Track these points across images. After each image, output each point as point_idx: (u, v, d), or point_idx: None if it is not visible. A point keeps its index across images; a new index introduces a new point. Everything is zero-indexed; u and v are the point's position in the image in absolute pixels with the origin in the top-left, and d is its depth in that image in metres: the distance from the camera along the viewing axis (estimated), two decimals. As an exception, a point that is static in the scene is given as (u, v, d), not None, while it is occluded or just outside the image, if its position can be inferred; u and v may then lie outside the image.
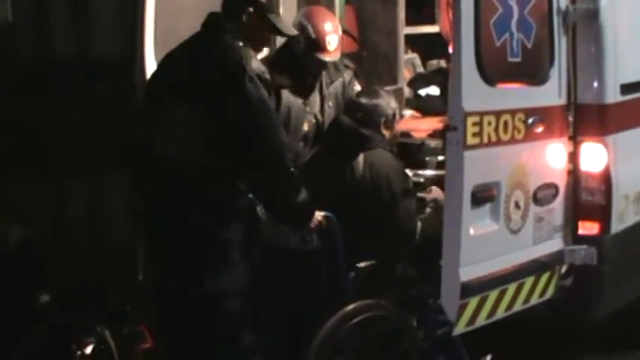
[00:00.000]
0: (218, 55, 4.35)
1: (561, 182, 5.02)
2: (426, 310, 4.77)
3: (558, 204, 5.01)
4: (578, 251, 5.06)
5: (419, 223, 5.03)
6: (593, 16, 5.03)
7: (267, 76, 4.38)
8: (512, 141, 4.69)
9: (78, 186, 5.36)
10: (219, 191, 4.34)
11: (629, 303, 5.52)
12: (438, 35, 8.27)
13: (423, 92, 7.63)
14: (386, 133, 5.11)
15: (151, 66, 4.99)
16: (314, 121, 5.39)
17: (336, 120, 5.24)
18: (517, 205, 4.76)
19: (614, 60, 5.14)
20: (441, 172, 5.34)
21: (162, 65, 4.60)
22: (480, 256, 4.59)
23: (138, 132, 4.63)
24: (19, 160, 5.31)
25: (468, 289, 4.51)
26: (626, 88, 5.23)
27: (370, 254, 4.89)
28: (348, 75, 5.63)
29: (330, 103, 5.44)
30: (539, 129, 4.82)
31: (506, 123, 4.64)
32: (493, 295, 4.69)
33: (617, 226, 5.18)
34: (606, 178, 5.10)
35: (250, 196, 4.49)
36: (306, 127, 5.33)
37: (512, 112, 4.68)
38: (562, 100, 5.01)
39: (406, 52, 8.02)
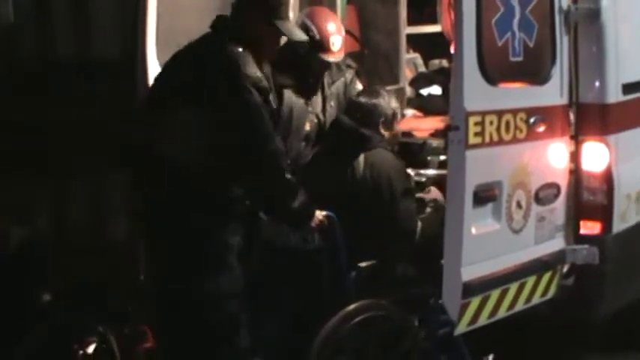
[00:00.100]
0: (221, 59, 4.34)
1: (563, 182, 5.02)
2: (427, 309, 4.77)
3: (560, 203, 5.01)
4: (580, 251, 5.05)
5: (419, 223, 5.03)
6: (594, 15, 5.03)
7: (264, 83, 4.36)
8: (514, 140, 4.69)
9: (79, 186, 5.37)
10: (221, 193, 4.34)
11: (631, 302, 5.51)
12: (439, 35, 8.25)
13: (424, 92, 7.62)
14: (385, 133, 5.11)
15: (152, 66, 4.99)
16: (316, 120, 5.39)
17: (336, 120, 5.24)
18: (519, 205, 4.76)
19: (616, 59, 5.14)
20: (443, 172, 5.35)
21: (167, 67, 4.58)
22: (482, 255, 4.59)
23: (140, 133, 4.63)
24: (21, 161, 5.31)
25: (470, 289, 4.51)
26: (627, 88, 5.22)
27: (371, 254, 4.89)
28: (349, 75, 5.63)
29: (332, 103, 5.44)
30: (541, 128, 4.81)
31: (508, 122, 4.64)
32: (495, 294, 4.69)
33: (618, 226, 5.18)
34: (608, 177, 5.09)
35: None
36: (307, 127, 5.33)
37: (514, 112, 4.68)
38: (564, 100, 5.01)
39: (408, 52, 8.01)
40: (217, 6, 5.47)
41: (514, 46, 4.68)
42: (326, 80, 5.43)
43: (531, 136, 4.77)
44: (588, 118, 5.09)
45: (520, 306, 4.86)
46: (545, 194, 4.90)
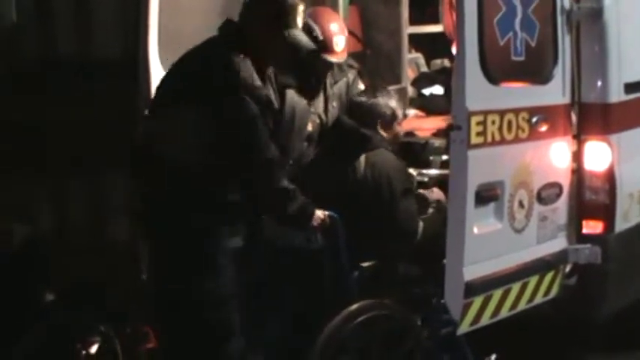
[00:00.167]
0: (222, 66, 4.32)
1: (565, 181, 5.02)
2: (430, 309, 4.78)
3: (562, 203, 5.01)
4: (582, 250, 5.05)
5: (421, 224, 5.03)
6: (597, 14, 5.02)
7: (263, 92, 4.34)
8: (516, 140, 4.69)
9: (80, 185, 5.36)
10: (221, 192, 4.34)
11: (633, 302, 5.51)
12: (441, 34, 8.27)
13: (426, 91, 7.64)
14: (383, 133, 5.10)
15: (154, 65, 5.00)
16: (318, 121, 5.39)
17: (337, 120, 5.25)
18: (521, 204, 4.76)
19: (618, 59, 5.13)
20: (445, 172, 5.35)
21: (172, 70, 4.55)
22: (484, 255, 4.58)
23: (141, 132, 4.63)
24: (22, 160, 5.31)
25: (472, 289, 4.51)
26: (629, 87, 5.22)
27: (372, 254, 4.89)
28: (351, 75, 5.63)
29: (334, 104, 5.44)
30: (543, 128, 4.81)
31: (510, 122, 4.64)
32: (497, 294, 4.69)
33: (621, 225, 5.17)
34: (610, 177, 5.09)
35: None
36: (310, 128, 5.33)
37: (516, 111, 4.68)
38: (566, 99, 5.01)
39: (410, 52, 8.02)
40: (220, 5, 5.48)
41: (516, 46, 4.68)
42: (328, 80, 5.43)
43: (533, 135, 4.77)
44: (590, 117, 5.09)
45: (522, 306, 4.86)
46: (547, 194, 4.90)
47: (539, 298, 4.95)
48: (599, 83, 5.10)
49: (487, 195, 4.57)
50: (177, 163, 4.27)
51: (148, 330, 4.85)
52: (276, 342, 4.92)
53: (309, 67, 5.27)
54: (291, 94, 5.23)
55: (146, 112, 4.69)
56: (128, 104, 4.92)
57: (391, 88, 6.18)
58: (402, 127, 5.43)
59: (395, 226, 4.91)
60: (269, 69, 4.58)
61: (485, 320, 4.68)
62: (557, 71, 4.94)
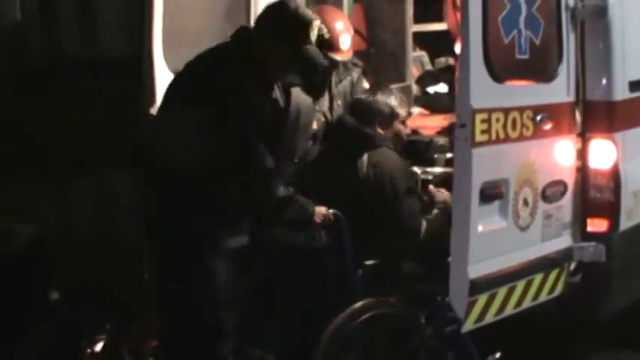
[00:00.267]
0: (229, 74, 4.32)
1: (570, 179, 5.02)
2: (434, 307, 4.78)
3: (567, 201, 5.01)
4: (587, 248, 5.05)
5: (424, 223, 5.02)
6: (601, 12, 5.02)
7: (263, 103, 4.33)
8: (521, 138, 4.68)
9: (85, 185, 5.37)
10: (221, 193, 4.32)
11: (638, 300, 5.51)
12: (445, 33, 8.28)
13: (431, 90, 7.65)
14: (380, 131, 5.09)
15: (159, 65, 5.00)
16: (323, 119, 5.39)
17: (339, 120, 5.25)
18: (525, 202, 4.76)
19: (623, 57, 5.13)
20: (450, 170, 5.35)
21: (181, 72, 4.55)
22: (489, 253, 4.58)
23: (147, 133, 4.64)
24: (27, 159, 5.32)
25: (477, 286, 4.50)
26: (634, 85, 5.22)
27: (375, 253, 4.89)
28: (356, 73, 5.64)
29: (339, 102, 5.45)
30: (548, 126, 4.81)
31: (514, 120, 4.64)
32: (502, 292, 4.69)
33: (625, 223, 5.17)
34: (615, 175, 5.09)
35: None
36: (315, 126, 5.33)
37: (521, 109, 4.68)
38: (570, 97, 5.00)
39: (414, 50, 8.02)
40: (223, 6, 5.49)
41: (520, 44, 4.68)
42: (333, 79, 5.44)
43: (538, 133, 4.77)
44: (595, 115, 5.09)
45: (527, 303, 4.85)
46: (551, 192, 4.90)
47: (543, 296, 4.95)
48: (604, 81, 5.09)
49: (492, 193, 4.57)
50: (178, 163, 4.26)
51: (154, 328, 4.86)
52: (282, 339, 4.93)
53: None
54: (297, 93, 5.23)
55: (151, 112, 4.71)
56: (132, 103, 4.93)
57: (395, 86, 6.19)
58: (407, 126, 5.43)
59: (398, 225, 4.91)
60: (277, 80, 4.54)
61: (490, 318, 4.67)
62: (562, 69, 4.94)
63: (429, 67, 8.38)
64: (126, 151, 4.76)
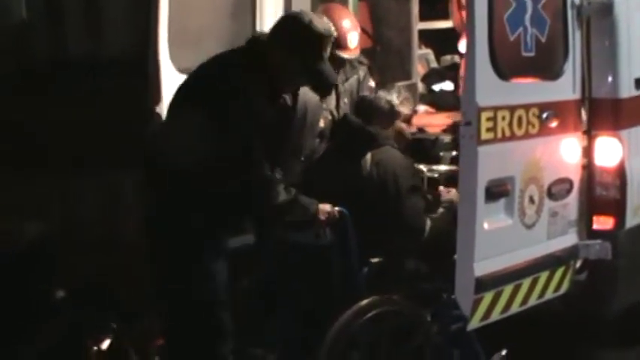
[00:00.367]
0: (236, 80, 4.29)
1: (576, 177, 5.01)
2: (440, 305, 4.78)
3: (573, 199, 5.00)
4: (593, 246, 5.05)
5: (428, 221, 5.02)
6: (607, 10, 5.02)
7: (266, 111, 4.30)
8: (527, 136, 4.68)
9: (89, 184, 5.37)
10: (222, 193, 4.31)
11: (644, 298, 5.51)
12: (451, 30, 8.26)
13: (436, 87, 7.65)
14: (381, 129, 5.06)
15: (164, 63, 5.01)
16: (330, 117, 5.40)
17: (343, 118, 5.25)
18: (531, 200, 4.75)
19: (629, 54, 5.13)
20: (454, 168, 5.36)
21: (190, 74, 4.53)
22: (495, 250, 4.58)
23: (155, 135, 4.65)
24: (30, 159, 5.32)
25: (483, 284, 4.50)
26: (640, 83, 5.22)
27: (379, 251, 4.89)
28: (362, 72, 5.64)
29: (346, 100, 5.46)
30: (554, 124, 4.81)
31: (520, 118, 4.63)
32: (508, 289, 4.69)
33: (631, 221, 5.17)
34: (621, 172, 5.09)
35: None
36: (322, 124, 5.34)
37: (527, 107, 4.67)
38: (576, 95, 5.00)
39: (420, 48, 8.02)
40: (229, 4, 5.49)
41: (526, 42, 4.67)
42: (340, 77, 5.43)
43: (544, 131, 4.77)
44: (601, 113, 5.08)
45: (533, 301, 4.85)
46: (557, 189, 4.90)
47: (549, 294, 4.94)
48: (610, 79, 5.09)
49: (497, 191, 4.57)
50: (179, 164, 4.24)
51: (159, 327, 4.86)
52: (285, 339, 4.93)
53: None
54: (304, 91, 5.22)
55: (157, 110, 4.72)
56: (138, 102, 4.94)
57: (401, 84, 6.20)
58: (412, 124, 5.42)
59: (401, 223, 4.90)
60: (287, 91, 4.51)
61: (496, 316, 4.67)
62: (568, 67, 4.94)
63: (434, 64, 8.38)
64: (131, 151, 4.76)
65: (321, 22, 4.45)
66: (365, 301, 4.54)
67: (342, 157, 5.06)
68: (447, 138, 5.91)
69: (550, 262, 4.91)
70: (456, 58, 7.95)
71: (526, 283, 4.79)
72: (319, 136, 5.33)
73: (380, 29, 7.68)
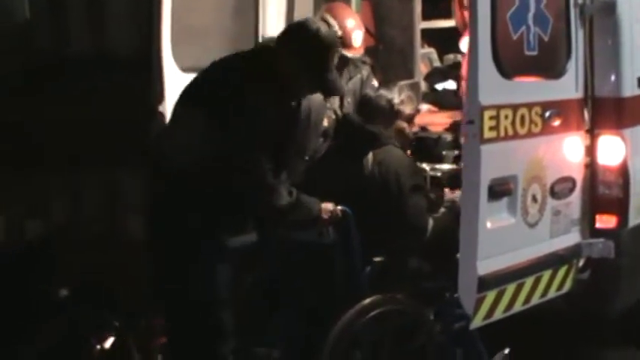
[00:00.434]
0: (244, 84, 4.26)
1: (578, 176, 5.01)
2: (443, 303, 4.78)
3: (575, 197, 5.00)
4: (596, 244, 5.05)
5: (430, 221, 5.02)
6: (610, 9, 5.02)
7: (270, 125, 4.27)
8: (529, 134, 4.68)
9: (92, 182, 5.38)
10: (221, 194, 4.28)
11: (647, 296, 5.51)
12: (454, 29, 8.26)
13: (439, 86, 7.65)
14: (382, 128, 5.06)
15: (167, 60, 5.01)
16: (333, 117, 5.40)
17: (345, 118, 5.25)
18: (534, 199, 4.76)
19: (631, 53, 5.13)
20: (455, 166, 5.36)
21: (197, 76, 4.51)
22: (497, 249, 4.58)
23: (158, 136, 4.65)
24: (34, 157, 5.32)
25: (485, 283, 4.50)
26: (643, 81, 5.22)
27: (381, 250, 4.89)
28: (365, 71, 5.65)
29: (349, 99, 5.46)
30: (556, 122, 4.81)
31: (523, 116, 4.64)
32: (510, 288, 4.69)
33: (634, 220, 5.16)
34: (624, 171, 5.08)
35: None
36: (326, 123, 5.34)
37: (529, 106, 4.67)
38: (579, 94, 5.00)
39: (422, 47, 8.02)
40: (233, 3, 5.50)
41: (529, 40, 4.67)
42: (343, 76, 5.43)
43: (546, 130, 4.77)
44: (604, 111, 5.08)
45: (536, 300, 4.85)
46: (560, 188, 4.90)
47: (552, 293, 4.94)
48: (613, 77, 5.09)
49: (500, 189, 4.57)
50: (179, 164, 4.24)
51: (161, 324, 4.87)
52: (288, 337, 4.93)
53: None
54: None
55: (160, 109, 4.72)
56: (141, 101, 4.94)
57: (404, 83, 6.18)
58: (415, 123, 5.42)
59: (403, 222, 4.90)
60: (294, 98, 4.48)
61: (499, 314, 4.68)
62: (570, 65, 4.94)
63: (437, 63, 8.39)
64: (134, 149, 4.77)
65: (329, 32, 4.43)
66: (368, 300, 4.54)
67: (344, 156, 5.05)
68: (449, 137, 5.90)
69: (553, 261, 4.91)
70: (459, 57, 7.95)
71: (529, 281, 4.79)
72: (323, 135, 5.32)
73: (382, 28, 7.67)
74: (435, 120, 6.51)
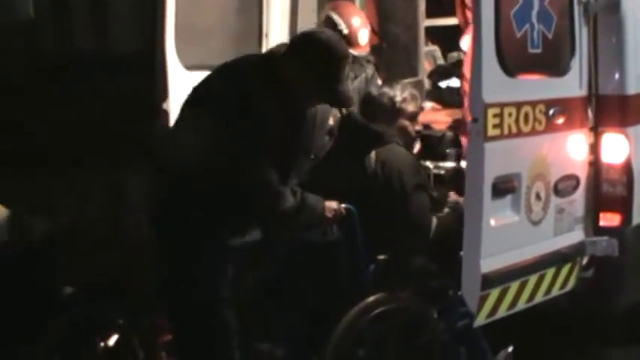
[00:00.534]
0: (252, 89, 4.24)
1: (582, 173, 5.01)
2: (446, 301, 4.78)
3: (579, 195, 5.00)
4: (600, 242, 5.04)
5: (434, 220, 5.01)
6: (614, 6, 5.01)
7: (278, 130, 4.26)
8: (533, 132, 4.68)
9: (97, 181, 5.38)
10: (223, 194, 4.27)
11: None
12: (458, 27, 8.26)
13: (443, 84, 7.65)
14: (385, 126, 5.06)
15: (171, 60, 5.01)
16: (339, 115, 5.38)
17: (348, 116, 5.24)
18: (538, 197, 4.75)
19: (635, 51, 5.12)
20: (454, 164, 5.36)
21: (205, 79, 4.46)
22: (501, 247, 4.58)
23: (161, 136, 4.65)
24: (36, 156, 5.33)
25: (489, 281, 4.50)
26: (647, 79, 5.21)
27: (384, 249, 4.88)
28: (370, 70, 5.64)
29: (354, 98, 5.44)
30: (560, 120, 4.81)
31: (526, 114, 4.63)
32: (514, 286, 4.69)
33: (638, 218, 5.16)
34: (627, 169, 5.08)
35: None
36: (331, 122, 5.33)
37: (533, 104, 4.67)
38: (583, 92, 5.00)
39: (426, 44, 8.02)
40: (236, 2, 5.50)
41: (533, 38, 4.67)
42: (349, 75, 5.43)
43: (550, 127, 4.77)
44: (608, 109, 5.08)
45: (539, 298, 4.85)
46: (564, 186, 4.89)
47: (556, 291, 4.94)
48: (617, 75, 5.08)
49: (504, 187, 4.57)
50: (183, 165, 4.24)
51: (166, 322, 4.88)
52: (294, 335, 4.94)
53: None
54: None
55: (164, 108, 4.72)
56: (145, 99, 4.94)
57: (408, 80, 6.19)
58: (418, 122, 5.41)
59: (407, 221, 4.89)
60: (302, 107, 4.46)
61: (502, 312, 4.67)
62: (574, 63, 4.93)
63: (441, 61, 8.38)
64: (138, 148, 4.77)
65: (339, 43, 4.39)
66: (372, 298, 4.55)
67: (346, 155, 5.05)
68: (453, 135, 5.91)
69: (556, 259, 4.91)
70: (463, 54, 7.95)
71: (532, 279, 4.79)
72: (329, 133, 5.31)
73: (386, 26, 7.67)
74: (438, 118, 6.52)
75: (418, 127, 5.45)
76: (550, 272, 4.88)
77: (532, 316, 4.88)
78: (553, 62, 4.89)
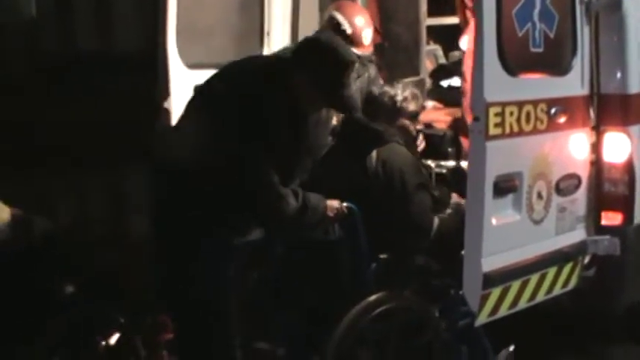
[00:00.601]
0: (256, 93, 4.22)
1: (584, 173, 5.01)
2: (448, 300, 4.78)
3: (581, 194, 5.00)
4: (601, 241, 5.04)
5: (436, 220, 5.01)
6: (616, 5, 5.01)
7: (281, 133, 4.26)
8: (535, 131, 4.68)
9: (99, 180, 5.39)
10: (222, 194, 4.26)
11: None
12: (459, 26, 8.26)
13: (444, 83, 7.65)
14: (386, 125, 5.05)
15: (173, 59, 5.02)
16: (342, 115, 5.39)
17: (350, 115, 5.24)
18: (539, 196, 4.75)
19: (637, 50, 5.12)
20: (452, 163, 5.36)
21: (210, 80, 4.46)
22: (503, 246, 4.58)
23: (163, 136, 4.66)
24: (38, 156, 5.33)
25: (490, 280, 4.50)
26: (649, 78, 5.21)
27: (385, 249, 4.88)
28: (372, 70, 5.64)
29: (357, 98, 5.44)
30: (562, 119, 4.80)
31: (528, 113, 4.63)
32: (515, 285, 4.68)
33: (640, 217, 5.17)
34: (629, 168, 5.08)
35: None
36: (335, 121, 5.34)
37: (535, 103, 4.67)
38: (585, 91, 4.99)
39: (428, 44, 8.03)
40: (238, 0, 5.50)
41: (534, 37, 4.67)
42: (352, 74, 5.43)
43: (552, 126, 4.76)
44: (609, 108, 5.08)
45: (541, 297, 4.85)
46: (565, 185, 4.89)
47: (557, 290, 4.94)
48: (618, 74, 5.08)
49: (505, 186, 4.57)
50: (184, 164, 4.23)
51: (167, 321, 4.88)
52: (295, 334, 4.94)
53: None
54: None
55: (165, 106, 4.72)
56: (147, 98, 4.95)
57: (409, 79, 6.19)
58: (420, 121, 5.41)
59: (408, 221, 4.89)
60: (308, 113, 4.45)
61: (504, 311, 4.67)
62: (576, 62, 4.93)
63: (442, 60, 8.39)
64: (139, 147, 4.77)
65: (346, 48, 4.39)
66: (373, 297, 4.55)
67: (347, 154, 5.05)
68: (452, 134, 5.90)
69: (558, 258, 4.91)
70: (463, 54, 7.95)
71: (534, 278, 4.79)
72: (332, 133, 5.32)
73: (388, 25, 7.68)
74: (440, 117, 6.52)
75: (420, 126, 5.45)
76: (552, 271, 4.88)
77: (533, 315, 4.89)
78: (555, 61, 4.89)
